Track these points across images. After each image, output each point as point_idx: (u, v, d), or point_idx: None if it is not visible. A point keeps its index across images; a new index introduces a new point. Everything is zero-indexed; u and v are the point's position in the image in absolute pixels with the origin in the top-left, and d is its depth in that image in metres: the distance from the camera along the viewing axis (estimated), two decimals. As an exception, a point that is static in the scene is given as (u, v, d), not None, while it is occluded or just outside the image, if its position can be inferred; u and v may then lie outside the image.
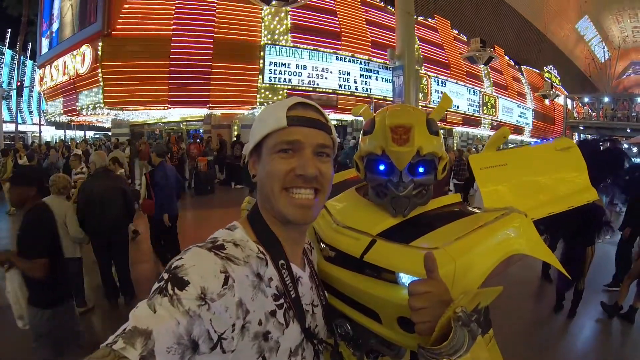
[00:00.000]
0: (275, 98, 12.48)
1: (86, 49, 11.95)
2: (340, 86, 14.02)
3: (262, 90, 12.59)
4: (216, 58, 11.97)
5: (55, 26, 15.37)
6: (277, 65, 12.78)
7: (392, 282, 0.87)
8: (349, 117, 15.24)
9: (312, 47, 13.44)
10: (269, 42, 12.67)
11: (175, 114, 13.77)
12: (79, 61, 12.29)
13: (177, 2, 11.84)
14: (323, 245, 1.01)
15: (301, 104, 0.71)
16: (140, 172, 8.82)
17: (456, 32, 19.99)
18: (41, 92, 17.20)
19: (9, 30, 26.01)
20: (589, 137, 20.07)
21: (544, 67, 26.53)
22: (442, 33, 18.84)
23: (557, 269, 0.95)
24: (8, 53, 25.94)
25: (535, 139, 23.61)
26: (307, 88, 13.28)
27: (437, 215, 1.04)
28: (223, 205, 8.88)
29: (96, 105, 11.91)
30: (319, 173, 0.68)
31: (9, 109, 24.36)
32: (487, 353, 0.62)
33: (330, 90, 13.84)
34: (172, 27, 11.68)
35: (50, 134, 26.62)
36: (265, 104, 11.98)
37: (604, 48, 34.15)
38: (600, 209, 3.63)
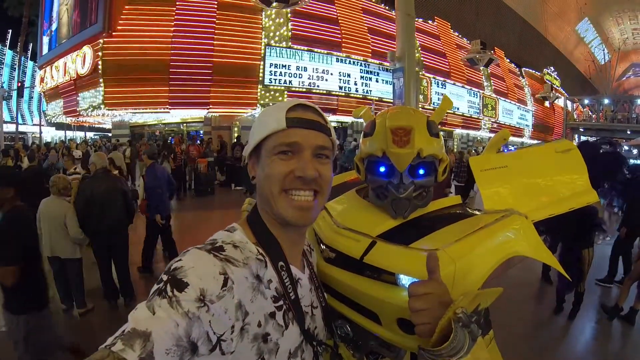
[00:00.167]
0: (275, 100, 12.49)
1: (87, 50, 11.96)
2: (340, 88, 14.03)
3: (262, 92, 12.60)
4: (217, 58, 11.98)
5: (54, 26, 15.43)
6: (277, 66, 12.79)
7: (391, 283, 0.87)
8: (349, 119, 15.24)
9: (311, 35, 13.36)
10: (270, 34, 12.64)
11: (175, 116, 13.79)
12: (79, 62, 12.31)
13: (177, 3, 11.86)
14: (323, 247, 1.01)
15: (301, 106, 0.71)
16: (140, 173, 8.86)
17: (457, 34, 19.99)
18: (42, 93, 17.23)
19: (10, 31, 26.08)
20: (589, 139, 20.08)
21: (544, 69, 26.58)
22: (442, 36, 18.84)
23: (557, 270, 0.95)
24: (9, 54, 25.98)
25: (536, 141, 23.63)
26: (307, 90, 13.28)
27: (438, 217, 1.04)
28: (223, 207, 8.89)
29: (96, 107, 11.92)
30: (318, 175, 0.68)
31: (10, 110, 24.38)
32: (488, 354, 0.62)
33: (331, 92, 13.84)
34: (172, 29, 11.69)
35: (50, 134, 26.62)
36: (265, 105, 11.98)
37: (604, 50, 34.23)
38: (594, 209, 3.64)
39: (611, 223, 5.97)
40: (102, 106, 11.65)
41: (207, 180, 10.43)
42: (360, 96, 14.34)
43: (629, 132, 21.76)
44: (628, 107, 22.66)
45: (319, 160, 0.70)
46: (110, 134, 17.13)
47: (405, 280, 0.85)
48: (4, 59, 25.67)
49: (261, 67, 12.45)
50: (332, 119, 13.56)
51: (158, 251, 5.07)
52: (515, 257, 0.89)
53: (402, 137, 0.93)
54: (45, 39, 16.30)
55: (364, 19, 15.03)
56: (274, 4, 7.72)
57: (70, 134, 26.02)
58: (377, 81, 14.87)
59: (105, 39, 11.52)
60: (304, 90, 13.19)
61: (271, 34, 12.67)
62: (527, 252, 0.91)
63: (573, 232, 3.61)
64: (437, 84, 17.62)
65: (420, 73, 12.07)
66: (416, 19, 9.06)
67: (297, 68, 13.09)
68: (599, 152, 2.35)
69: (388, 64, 9.64)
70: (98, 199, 3.66)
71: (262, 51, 12.45)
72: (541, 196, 1.15)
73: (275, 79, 12.76)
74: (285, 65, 12.88)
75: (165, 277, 0.56)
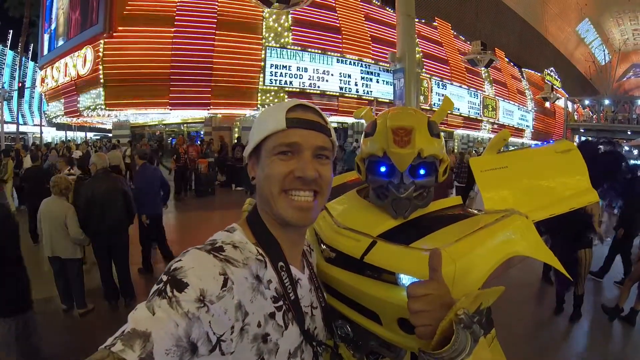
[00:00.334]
0: (275, 100, 12.50)
1: (87, 50, 11.98)
2: (341, 88, 14.03)
3: (263, 92, 12.60)
4: (217, 59, 11.99)
5: (54, 26, 15.46)
6: (278, 67, 12.79)
7: (392, 283, 0.87)
8: (349, 120, 15.24)
9: (313, 44, 13.40)
10: (271, 41, 12.67)
11: (176, 116, 13.79)
12: (80, 63, 12.32)
13: (178, 3, 11.87)
14: (323, 247, 1.01)
15: (301, 106, 0.71)
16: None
17: (459, 37, 19.98)
18: (42, 93, 17.25)
19: (11, 32, 26.17)
20: (590, 138, 20.06)
21: (545, 70, 26.58)
22: (444, 38, 18.83)
23: (555, 270, 0.95)
24: (10, 54, 26.05)
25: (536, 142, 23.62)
26: (308, 90, 13.28)
27: (438, 217, 1.04)
28: (223, 207, 8.89)
29: (97, 107, 11.93)
30: (318, 175, 0.68)
31: (10, 110, 24.42)
32: (490, 354, 0.62)
33: (330, 93, 13.85)
34: (173, 29, 11.70)
35: (51, 135, 26.67)
36: (265, 106, 11.99)
37: (604, 50, 34.23)
38: (588, 215, 3.65)
39: (611, 224, 5.96)
40: (103, 106, 11.66)
41: (207, 180, 10.44)
42: (358, 96, 14.36)
43: (629, 133, 21.74)
44: (628, 107, 22.64)
45: (318, 160, 0.69)
46: (110, 135, 17.15)
47: (405, 279, 0.85)
48: (4, 59, 25.74)
49: (261, 67, 12.46)
50: (333, 120, 13.56)
51: (158, 251, 5.08)
52: (515, 257, 0.89)
53: (403, 137, 0.93)
54: (46, 42, 16.32)
55: (366, 26, 15.10)
56: (275, 4, 7.70)
57: (70, 134, 26.07)
58: (377, 82, 14.89)
59: (105, 40, 11.54)
60: (305, 90, 13.20)
61: (272, 42, 12.69)
62: (528, 251, 0.91)
63: (573, 232, 3.60)
64: (438, 85, 17.64)
65: (422, 72, 12.05)
66: (417, 20, 9.08)
67: (298, 69, 13.10)
68: (599, 152, 2.34)
69: (388, 65, 9.64)
70: (98, 200, 3.65)
71: (263, 53, 12.46)
72: (541, 196, 1.14)
73: (275, 80, 12.77)
74: (285, 66, 12.89)
75: (165, 278, 0.56)
